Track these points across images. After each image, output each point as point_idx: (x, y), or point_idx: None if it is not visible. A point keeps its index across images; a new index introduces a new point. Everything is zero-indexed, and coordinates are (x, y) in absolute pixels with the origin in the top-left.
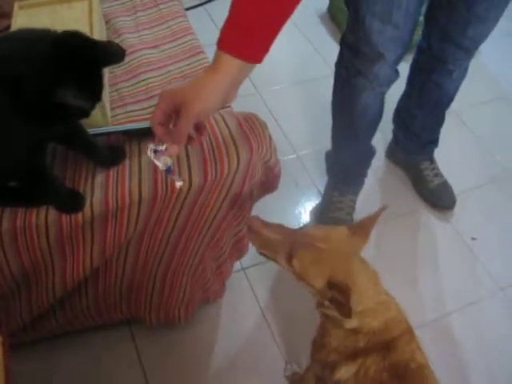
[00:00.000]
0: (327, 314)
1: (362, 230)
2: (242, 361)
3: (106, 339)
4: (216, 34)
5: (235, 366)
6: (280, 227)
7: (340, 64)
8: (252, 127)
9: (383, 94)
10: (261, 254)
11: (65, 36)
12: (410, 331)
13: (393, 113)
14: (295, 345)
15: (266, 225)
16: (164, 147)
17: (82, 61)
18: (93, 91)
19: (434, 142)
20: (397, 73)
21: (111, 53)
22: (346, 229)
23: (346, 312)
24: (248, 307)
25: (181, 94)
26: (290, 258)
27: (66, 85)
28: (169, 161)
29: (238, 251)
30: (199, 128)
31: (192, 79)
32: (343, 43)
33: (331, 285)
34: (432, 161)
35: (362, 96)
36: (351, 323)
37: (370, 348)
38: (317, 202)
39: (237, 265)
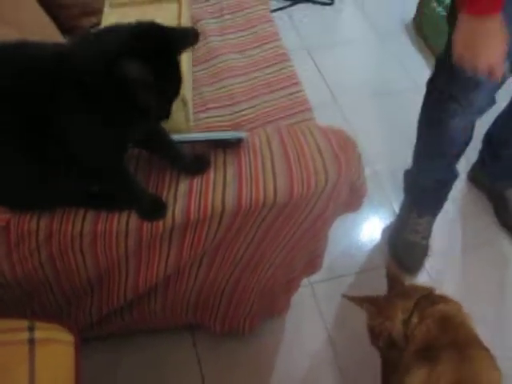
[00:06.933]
0: None
1: None
2: (301, 380)
3: (167, 342)
4: (297, 40)
5: None
6: None
7: (432, 84)
8: (341, 144)
9: (475, 120)
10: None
11: (140, 25)
12: None
13: (484, 134)
14: (359, 371)
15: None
16: None
17: (152, 42)
18: (167, 78)
19: None
20: (493, 100)
21: (183, 34)
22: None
23: None
24: (313, 324)
25: None
26: None
27: (129, 58)
28: None
29: (311, 268)
30: None
31: None
32: (439, 64)
33: None
34: None
35: (453, 121)
36: None
37: None
38: (390, 221)
39: (304, 279)
